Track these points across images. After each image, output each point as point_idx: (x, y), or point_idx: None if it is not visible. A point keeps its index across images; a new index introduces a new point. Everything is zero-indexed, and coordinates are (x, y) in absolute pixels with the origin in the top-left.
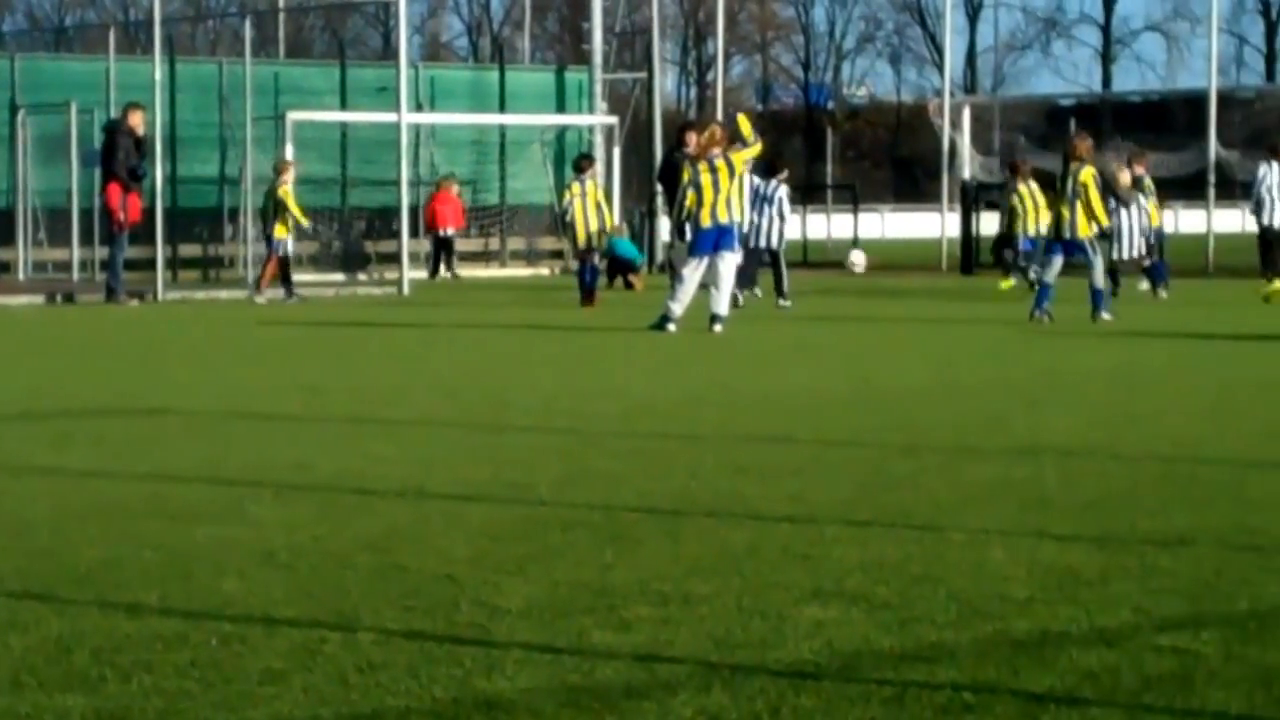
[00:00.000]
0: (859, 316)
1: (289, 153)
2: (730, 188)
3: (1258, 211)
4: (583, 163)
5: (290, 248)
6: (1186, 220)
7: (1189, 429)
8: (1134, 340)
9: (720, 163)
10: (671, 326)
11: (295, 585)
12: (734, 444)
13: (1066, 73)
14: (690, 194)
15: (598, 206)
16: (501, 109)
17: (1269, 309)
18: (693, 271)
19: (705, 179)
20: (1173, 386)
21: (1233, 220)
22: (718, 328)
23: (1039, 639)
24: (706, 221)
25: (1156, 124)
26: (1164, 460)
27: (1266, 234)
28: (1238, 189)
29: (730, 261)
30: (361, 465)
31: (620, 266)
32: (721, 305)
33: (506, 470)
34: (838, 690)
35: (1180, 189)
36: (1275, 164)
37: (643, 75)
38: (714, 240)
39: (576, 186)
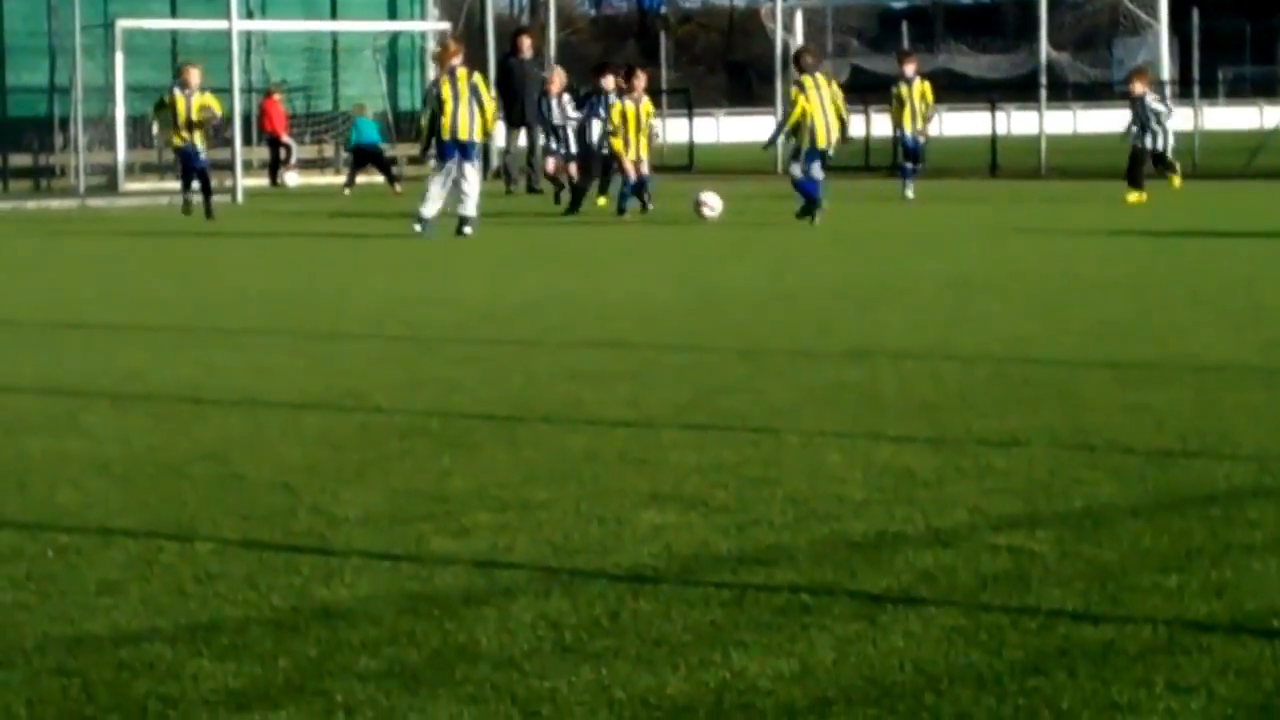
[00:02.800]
0: (694, 221)
1: (119, 61)
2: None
3: (1140, 134)
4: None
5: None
6: (1019, 122)
7: (1020, 330)
8: (965, 242)
9: (462, 75)
10: (468, 229)
11: (131, 496)
12: (571, 349)
13: None
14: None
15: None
16: (333, 15)
17: (1098, 210)
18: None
19: (446, 92)
20: (1004, 288)
21: (1063, 121)
22: (468, 230)
23: (875, 540)
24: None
25: (988, 26)
26: (996, 361)
27: (1139, 153)
28: (1069, 91)
29: (472, 171)
30: (196, 375)
31: (367, 157)
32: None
33: (343, 378)
34: (676, 594)
35: (1012, 91)
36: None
37: None
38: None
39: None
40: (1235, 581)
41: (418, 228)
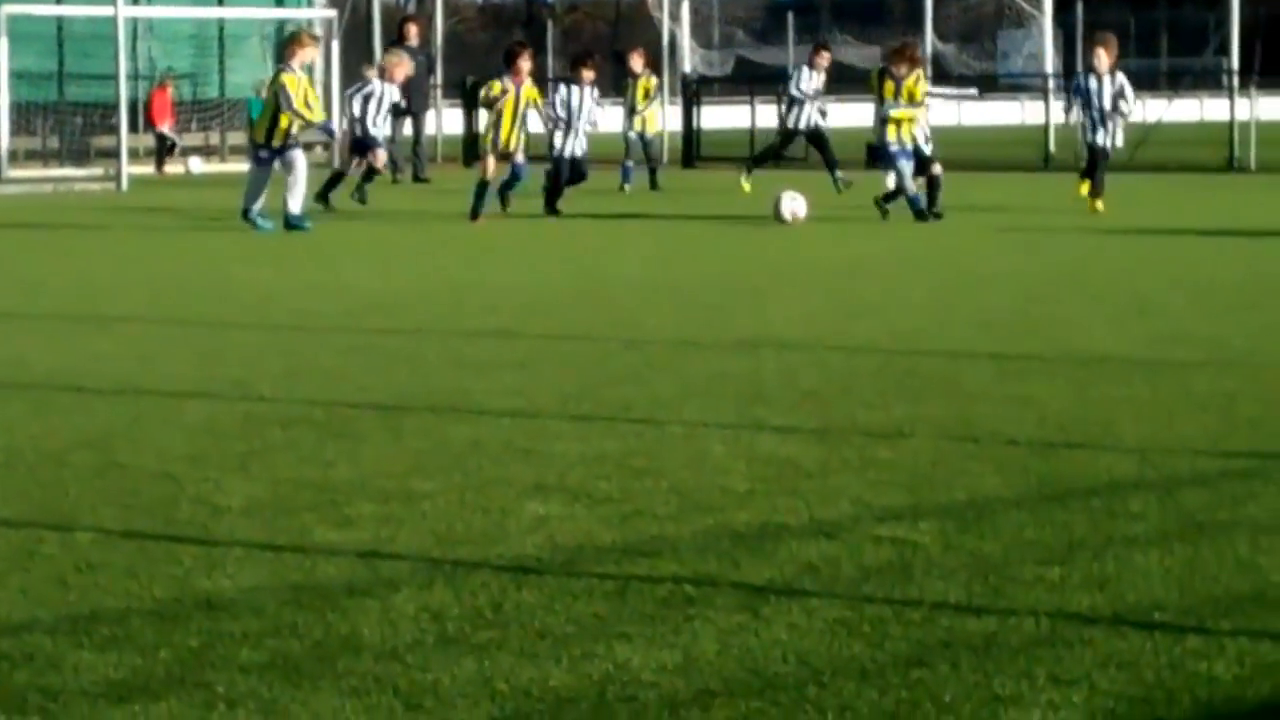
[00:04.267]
0: (584, 213)
1: (3, 47)
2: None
3: (1093, 128)
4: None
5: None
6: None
7: (907, 321)
8: (857, 235)
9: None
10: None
11: (11, 485)
12: (456, 339)
13: None
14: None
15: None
16: (220, 2)
17: (983, 203)
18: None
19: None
20: (890, 280)
21: (948, 113)
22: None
23: (759, 531)
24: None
25: (874, 18)
26: (882, 353)
27: (1095, 151)
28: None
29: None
30: (78, 362)
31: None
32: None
33: (226, 367)
34: (560, 585)
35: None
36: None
37: None
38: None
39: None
40: (1117, 574)
41: (311, 222)
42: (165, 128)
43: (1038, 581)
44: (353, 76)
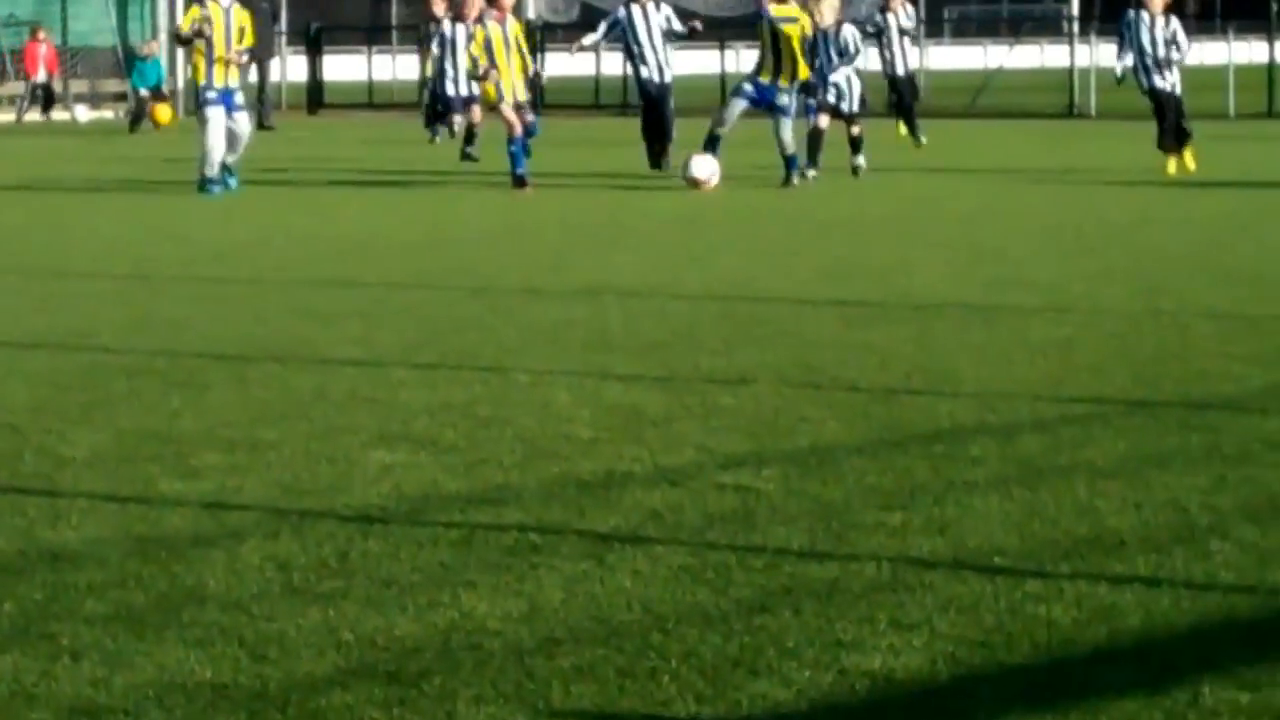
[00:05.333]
0: (431, 158)
1: None
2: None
3: (1145, 71)
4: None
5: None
6: (748, 60)
7: (749, 269)
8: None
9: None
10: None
11: None
12: (300, 288)
13: None
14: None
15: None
16: None
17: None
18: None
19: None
20: (731, 227)
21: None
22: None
23: (604, 479)
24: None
25: None
26: (724, 300)
27: (1157, 95)
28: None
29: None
30: None
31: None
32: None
33: (68, 317)
34: (405, 534)
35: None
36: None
37: None
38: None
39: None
40: (957, 519)
41: (217, 190)
42: (40, 77)
43: (879, 527)
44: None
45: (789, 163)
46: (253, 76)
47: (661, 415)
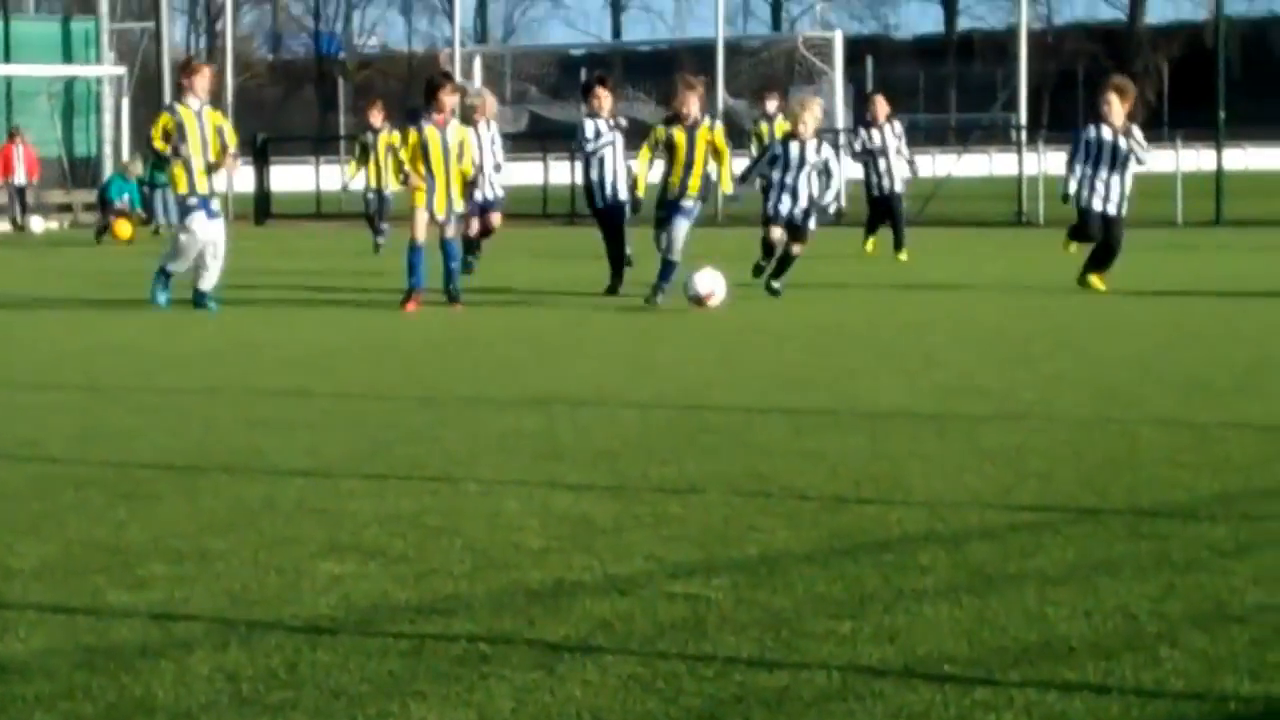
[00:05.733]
0: (375, 270)
1: None
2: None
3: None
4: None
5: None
6: None
7: (698, 377)
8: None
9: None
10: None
11: None
12: (250, 398)
13: (577, 23)
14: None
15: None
16: (6, 59)
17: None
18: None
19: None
20: (682, 336)
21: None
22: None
23: (554, 588)
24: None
25: (667, 73)
26: (675, 408)
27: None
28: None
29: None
30: None
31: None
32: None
33: (16, 427)
34: (355, 644)
35: None
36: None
37: (150, 24)
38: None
39: None
40: (907, 627)
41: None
42: (19, 179)
43: (829, 635)
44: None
45: (664, 271)
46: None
47: (611, 524)
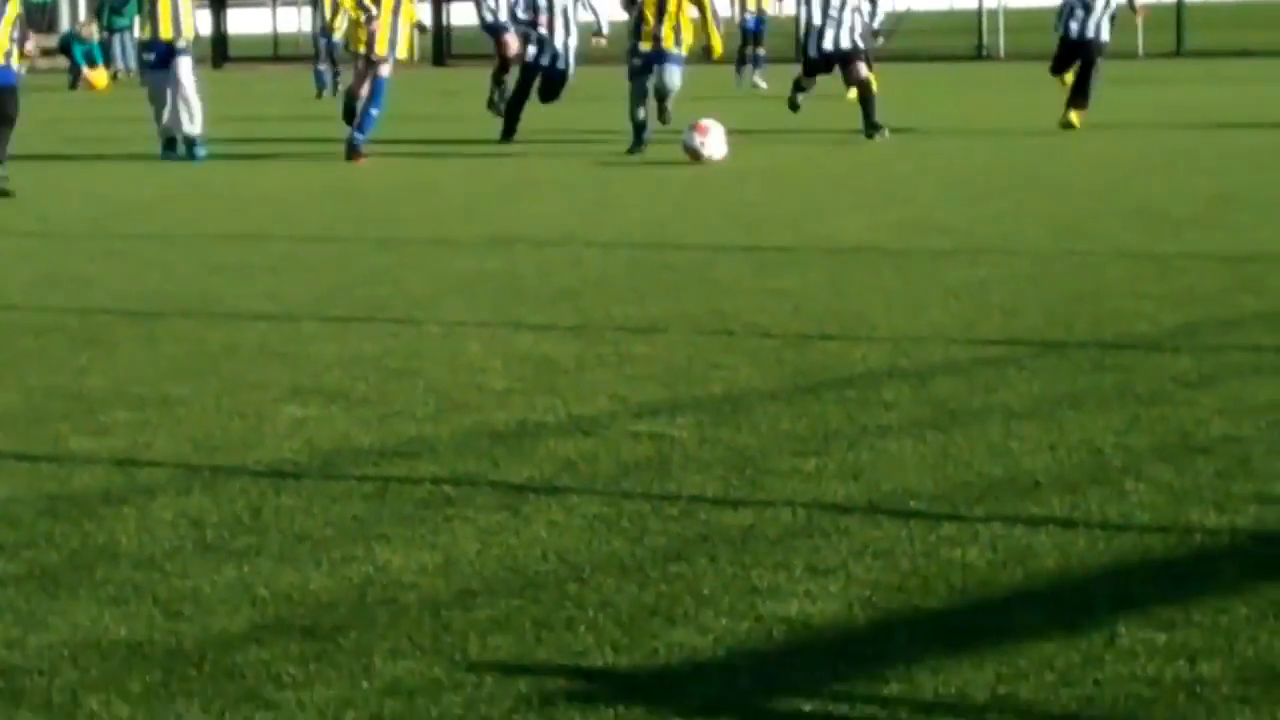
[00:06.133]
0: (331, 115)
1: None
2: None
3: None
4: None
5: None
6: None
7: (659, 216)
8: (598, 127)
9: None
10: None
11: None
12: (208, 243)
13: None
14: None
15: None
16: None
17: (730, 97)
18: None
19: None
20: (641, 175)
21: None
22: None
23: (517, 429)
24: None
25: None
26: (636, 247)
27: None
28: None
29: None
30: None
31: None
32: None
33: None
34: (319, 488)
35: None
36: None
37: None
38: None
39: None
40: (871, 463)
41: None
42: None
43: (793, 473)
44: None
45: (658, 112)
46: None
47: (574, 364)
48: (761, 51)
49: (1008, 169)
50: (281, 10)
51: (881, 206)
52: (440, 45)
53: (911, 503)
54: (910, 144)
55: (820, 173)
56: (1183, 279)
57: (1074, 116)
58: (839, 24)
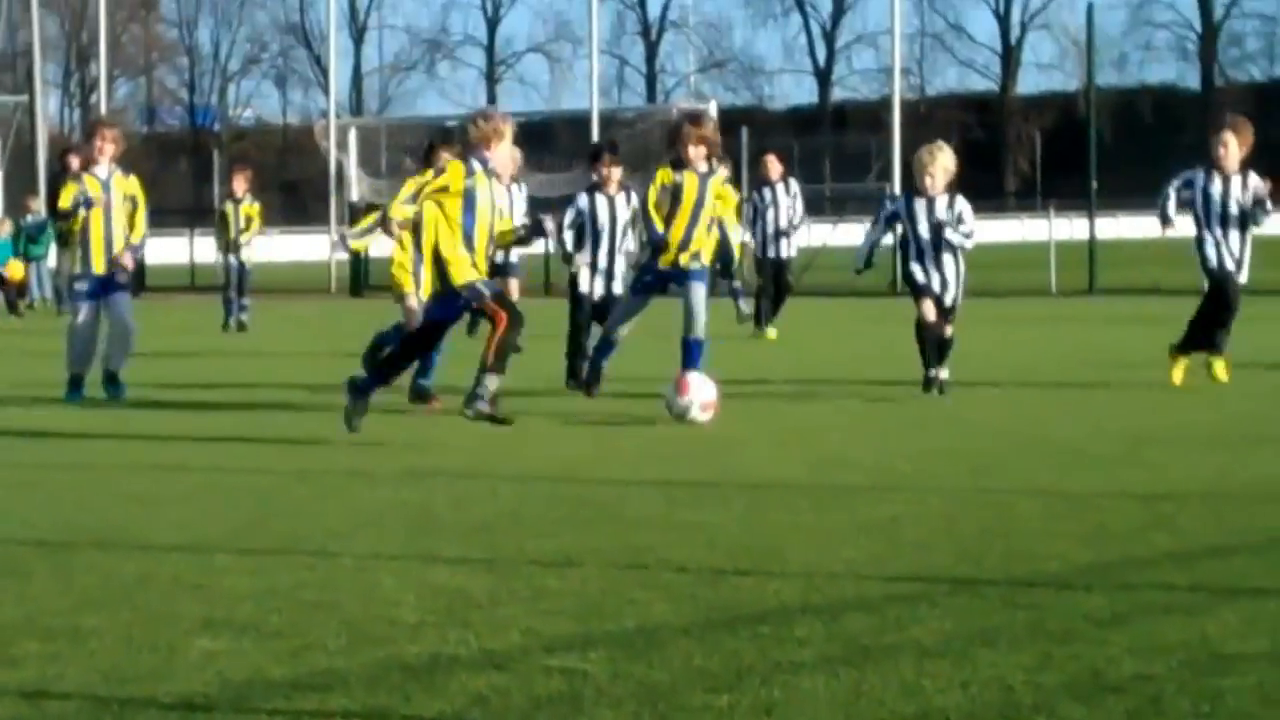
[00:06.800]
0: (251, 352)
1: None
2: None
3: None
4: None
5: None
6: None
7: (574, 450)
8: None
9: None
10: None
11: None
12: (123, 472)
13: (452, 94)
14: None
15: None
16: None
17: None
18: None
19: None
20: (557, 409)
21: None
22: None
23: (429, 663)
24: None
25: (541, 144)
26: (552, 481)
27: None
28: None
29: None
30: None
31: None
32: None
33: None
34: None
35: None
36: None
37: (24, 98)
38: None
39: None
40: (784, 700)
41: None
42: None
43: (705, 709)
44: (16, 207)
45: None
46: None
47: (487, 598)
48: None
49: (921, 405)
50: (199, 239)
51: (797, 442)
52: (357, 276)
53: None
54: (826, 379)
55: (735, 406)
56: (1095, 517)
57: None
58: (938, 262)
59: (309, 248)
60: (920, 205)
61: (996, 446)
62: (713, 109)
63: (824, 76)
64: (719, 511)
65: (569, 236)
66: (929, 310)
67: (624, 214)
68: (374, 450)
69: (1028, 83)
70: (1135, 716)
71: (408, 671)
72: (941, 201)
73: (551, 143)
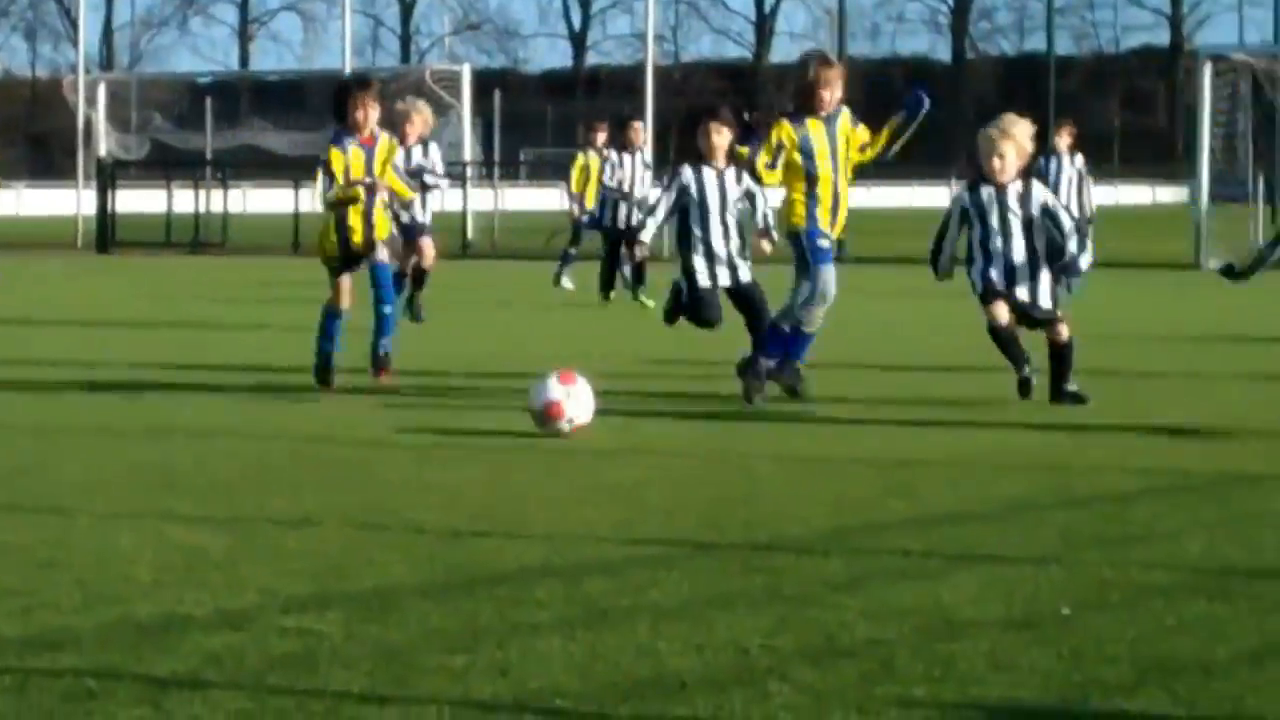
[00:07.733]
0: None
1: None
2: None
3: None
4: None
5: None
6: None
7: (325, 408)
8: (208, 316)
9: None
10: None
11: None
12: None
13: (205, 50)
14: None
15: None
16: None
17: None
18: None
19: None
20: (307, 365)
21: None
22: None
23: (164, 622)
24: None
25: (294, 104)
26: (295, 439)
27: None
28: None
29: None
30: None
31: None
32: None
33: None
34: None
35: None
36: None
37: None
38: None
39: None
40: (520, 661)
41: None
42: None
43: (441, 669)
44: None
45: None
46: None
47: (225, 557)
48: (573, 251)
49: (669, 368)
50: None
51: None
52: (105, 231)
53: (558, 701)
54: (574, 339)
55: (492, 366)
56: (835, 482)
57: None
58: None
59: (57, 202)
60: (988, 195)
61: (741, 411)
62: (466, 72)
63: (579, 41)
64: (465, 472)
65: (656, 221)
66: (1001, 313)
67: (734, 192)
68: (116, 406)
69: (781, 51)
70: (868, 679)
71: (141, 630)
72: (1013, 190)
73: (304, 102)
